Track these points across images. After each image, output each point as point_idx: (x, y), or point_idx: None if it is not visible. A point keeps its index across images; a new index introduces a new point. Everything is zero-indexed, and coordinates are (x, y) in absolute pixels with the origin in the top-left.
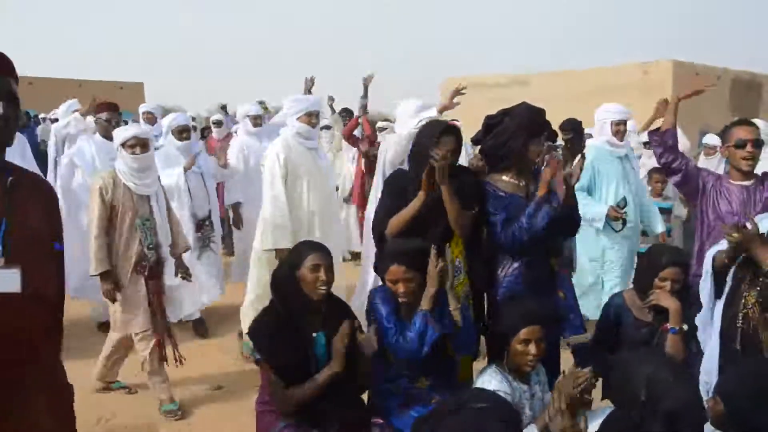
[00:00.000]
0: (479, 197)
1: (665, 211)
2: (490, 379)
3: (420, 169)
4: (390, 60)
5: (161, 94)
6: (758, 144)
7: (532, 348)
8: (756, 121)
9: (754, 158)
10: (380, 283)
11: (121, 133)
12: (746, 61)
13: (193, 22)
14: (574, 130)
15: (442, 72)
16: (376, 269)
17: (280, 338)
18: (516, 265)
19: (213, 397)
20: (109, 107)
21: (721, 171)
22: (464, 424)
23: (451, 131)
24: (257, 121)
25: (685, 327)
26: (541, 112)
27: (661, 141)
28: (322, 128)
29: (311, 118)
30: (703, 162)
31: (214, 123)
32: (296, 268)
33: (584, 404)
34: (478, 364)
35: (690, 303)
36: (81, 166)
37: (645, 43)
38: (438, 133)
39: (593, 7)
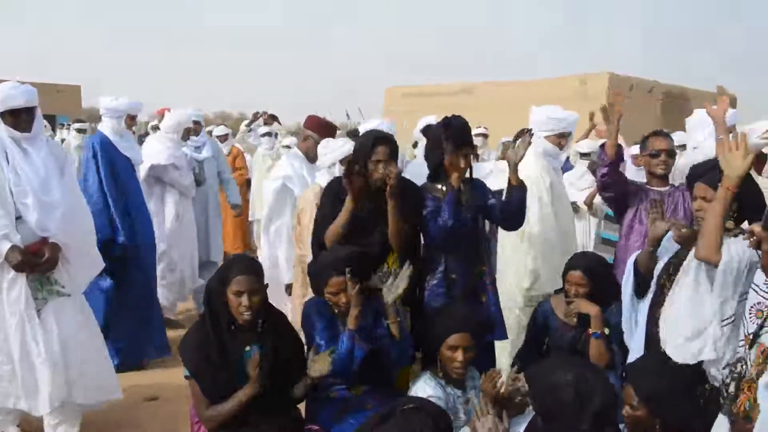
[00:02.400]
0: (416, 205)
1: None
2: (424, 386)
3: (357, 177)
4: (335, 69)
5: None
6: (671, 154)
7: (459, 355)
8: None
9: (668, 166)
10: None
11: (340, 149)
12: (676, 75)
13: (132, 21)
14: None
15: (386, 82)
16: (311, 276)
17: (206, 354)
18: (441, 269)
19: (148, 407)
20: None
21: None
22: (395, 429)
23: (385, 140)
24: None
25: (607, 331)
26: (455, 124)
27: (606, 161)
28: (262, 135)
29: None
30: (633, 171)
31: (153, 128)
32: (224, 285)
33: (515, 407)
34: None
35: (614, 306)
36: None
37: (583, 57)
38: (372, 143)
39: (535, 21)
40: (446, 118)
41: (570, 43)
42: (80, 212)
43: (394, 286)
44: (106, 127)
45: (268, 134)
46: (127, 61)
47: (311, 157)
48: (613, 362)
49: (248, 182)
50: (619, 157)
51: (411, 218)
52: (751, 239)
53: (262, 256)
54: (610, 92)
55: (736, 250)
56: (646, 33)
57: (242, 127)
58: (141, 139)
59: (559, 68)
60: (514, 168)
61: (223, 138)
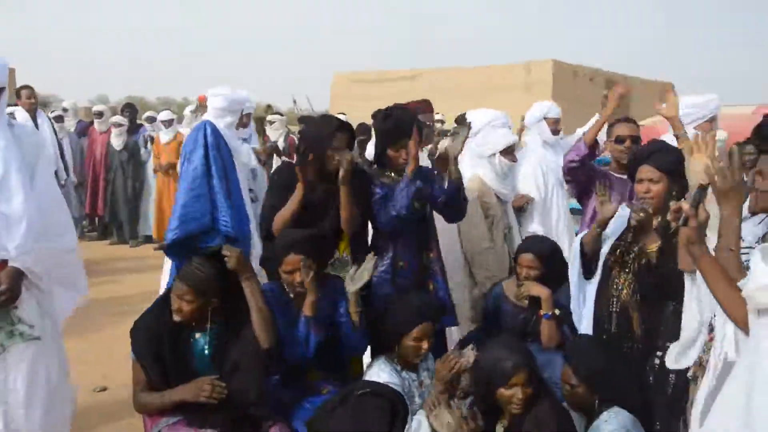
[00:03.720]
0: (366, 193)
1: None
2: (379, 372)
3: (309, 163)
4: (281, 54)
5: (34, 81)
6: (636, 140)
7: (424, 344)
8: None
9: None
10: None
11: (502, 140)
12: (619, 63)
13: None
14: (461, 123)
15: (332, 67)
16: (264, 263)
17: (154, 338)
18: (389, 256)
19: (97, 398)
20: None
21: None
22: (349, 413)
23: (345, 128)
24: None
25: (557, 312)
26: (394, 117)
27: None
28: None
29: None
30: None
31: (96, 114)
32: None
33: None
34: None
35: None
36: None
37: (528, 44)
38: (332, 130)
39: (482, 8)
40: (388, 108)
41: (515, 31)
42: (56, 225)
43: (357, 276)
44: (219, 118)
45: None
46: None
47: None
48: (564, 343)
49: None
50: (593, 150)
51: (361, 204)
52: (676, 215)
53: None
54: (555, 81)
55: None
56: (591, 21)
57: (187, 112)
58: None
59: (505, 55)
60: (453, 161)
61: (168, 123)
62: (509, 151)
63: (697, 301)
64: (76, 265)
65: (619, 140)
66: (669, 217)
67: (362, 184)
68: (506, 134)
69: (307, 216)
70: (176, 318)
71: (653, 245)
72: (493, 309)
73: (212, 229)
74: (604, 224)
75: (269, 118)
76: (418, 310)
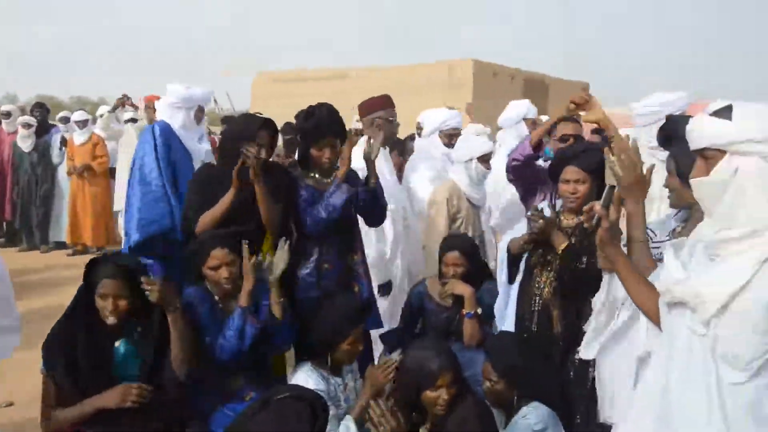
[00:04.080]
0: (290, 193)
1: None
2: (306, 378)
3: (232, 163)
4: (201, 52)
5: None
6: (579, 139)
7: (360, 347)
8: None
9: None
10: None
11: (480, 147)
12: (536, 63)
13: None
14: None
15: (257, 66)
16: (189, 264)
17: (69, 348)
18: (314, 258)
19: (2, 413)
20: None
21: None
22: (270, 417)
23: (268, 126)
24: None
25: (479, 310)
26: (317, 116)
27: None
28: (127, 121)
29: None
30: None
31: (3, 114)
32: (93, 287)
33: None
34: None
35: (487, 286)
36: None
37: (450, 44)
38: (255, 128)
39: (406, 7)
40: (311, 107)
41: (438, 30)
42: None
43: (274, 264)
44: (173, 117)
45: (133, 120)
46: None
47: (387, 142)
48: (486, 339)
49: (111, 171)
50: (538, 149)
51: (286, 205)
52: (589, 216)
53: None
54: (475, 81)
55: None
56: (511, 22)
57: (105, 113)
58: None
59: (427, 54)
60: (370, 165)
61: (83, 124)
62: (486, 159)
63: (606, 294)
64: (6, 298)
65: (564, 139)
66: (582, 218)
67: (287, 185)
68: (484, 141)
69: (229, 218)
70: (111, 321)
71: (562, 245)
72: (416, 308)
73: (172, 230)
74: (532, 242)
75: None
76: (351, 315)
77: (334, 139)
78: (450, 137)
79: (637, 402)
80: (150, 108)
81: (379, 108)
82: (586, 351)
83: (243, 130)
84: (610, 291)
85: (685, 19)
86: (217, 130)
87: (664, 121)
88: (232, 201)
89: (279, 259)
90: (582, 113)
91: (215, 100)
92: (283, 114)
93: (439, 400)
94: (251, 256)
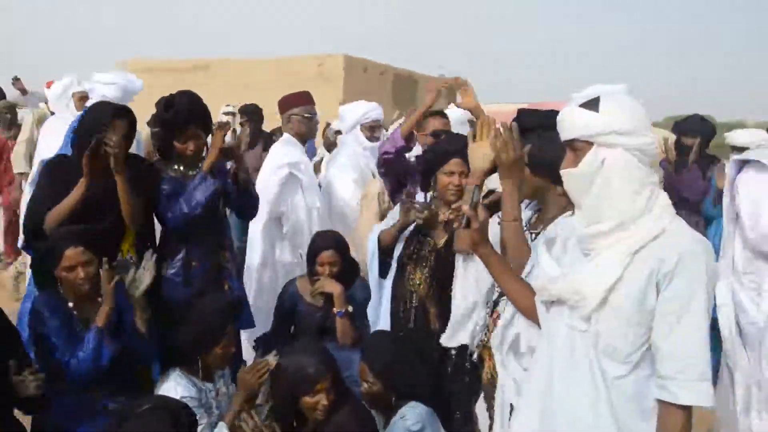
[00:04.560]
0: (153, 186)
1: None
2: (175, 386)
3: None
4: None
5: None
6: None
7: (231, 349)
8: (451, 111)
9: None
10: None
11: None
12: (405, 59)
13: None
14: (252, 114)
15: (115, 53)
16: (38, 267)
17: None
18: (180, 256)
19: None
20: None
21: None
22: None
23: (124, 114)
24: None
25: (351, 308)
26: (176, 105)
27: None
28: None
29: None
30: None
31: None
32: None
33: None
34: None
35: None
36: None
37: (320, 37)
38: (110, 117)
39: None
40: (170, 96)
41: (306, 23)
42: None
43: (138, 279)
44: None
45: None
46: None
47: (304, 138)
48: (361, 338)
49: None
50: (409, 142)
51: (147, 199)
52: (458, 216)
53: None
54: (346, 76)
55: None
56: (383, 19)
57: None
58: None
59: (295, 48)
60: (239, 159)
61: None
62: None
63: (474, 280)
64: None
65: (435, 134)
66: (450, 216)
67: (148, 177)
68: None
69: (84, 214)
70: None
71: (442, 239)
72: (289, 309)
73: None
74: (404, 228)
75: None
76: (223, 315)
77: (197, 129)
78: (372, 130)
79: (521, 401)
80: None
81: (297, 104)
82: (450, 339)
83: (97, 119)
84: (467, 275)
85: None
86: None
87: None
88: (83, 193)
89: (144, 275)
90: (453, 104)
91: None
92: (145, 105)
93: (318, 405)
94: (109, 271)
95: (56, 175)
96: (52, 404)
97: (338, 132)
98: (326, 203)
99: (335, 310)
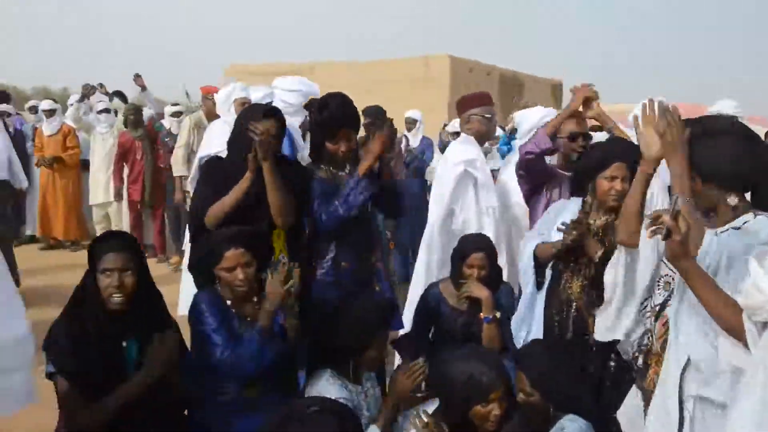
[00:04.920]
0: (304, 186)
1: None
2: (328, 387)
3: (242, 153)
4: (170, 45)
5: None
6: (587, 137)
7: (385, 352)
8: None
9: (585, 149)
10: None
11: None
12: (511, 60)
13: None
14: (376, 116)
15: (226, 58)
16: (197, 266)
17: (79, 346)
18: (330, 257)
19: None
20: None
21: None
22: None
23: (273, 114)
24: None
25: (498, 314)
26: (331, 107)
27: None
28: (100, 112)
29: None
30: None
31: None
32: (94, 270)
33: (416, 401)
34: None
35: (503, 287)
36: None
37: (425, 39)
38: (260, 116)
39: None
40: (324, 98)
41: (411, 25)
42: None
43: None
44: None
45: (107, 111)
46: None
47: (484, 138)
48: (506, 344)
49: (84, 163)
50: (553, 144)
51: (296, 195)
52: (657, 228)
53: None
54: (452, 77)
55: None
56: (486, 20)
57: (74, 102)
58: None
59: (400, 50)
60: (385, 160)
61: (50, 113)
62: None
63: (626, 272)
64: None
65: (573, 137)
66: (647, 228)
67: (299, 177)
68: None
69: (241, 215)
70: (117, 299)
71: (597, 252)
72: (432, 312)
73: None
74: (562, 251)
75: (173, 109)
76: (379, 318)
77: (349, 130)
78: None
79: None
80: (208, 99)
81: (477, 105)
82: (606, 334)
83: (246, 119)
84: (619, 267)
85: (659, 19)
86: (175, 122)
87: None
88: (246, 189)
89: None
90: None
91: (187, 93)
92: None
93: (490, 416)
94: (283, 274)
95: (214, 174)
96: (210, 402)
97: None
98: (500, 205)
99: (482, 315)
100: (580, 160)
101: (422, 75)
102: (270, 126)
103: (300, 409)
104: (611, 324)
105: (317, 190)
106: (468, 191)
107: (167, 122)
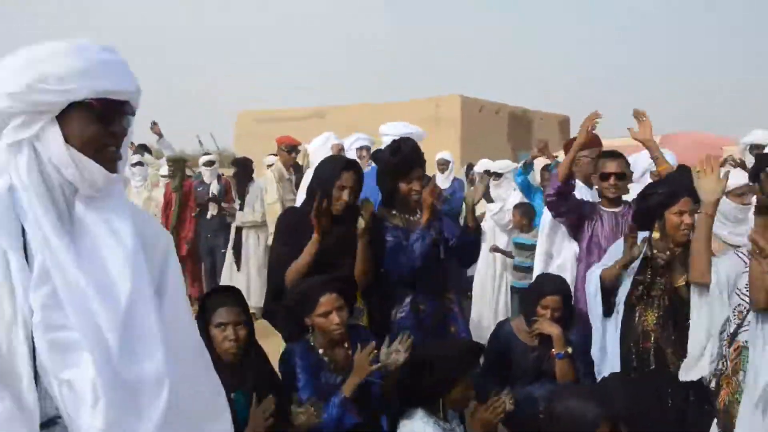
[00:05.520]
0: (377, 236)
1: (530, 247)
2: (424, 426)
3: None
4: (183, 94)
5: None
6: (621, 176)
7: (472, 389)
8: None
9: (618, 189)
10: None
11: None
12: (519, 97)
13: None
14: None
15: (237, 106)
16: (289, 316)
17: None
18: (407, 301)
19: None
20: None
21: None
22: None
23: (352, 167)
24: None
25: (570, 350)
26: (403, 150)
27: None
28: (134, 164)
29: None
30: None
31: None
32: (208, 324)
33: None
34: None
35: (575, 325)
36: None
37: (434, 80)
38: (339, 170)
39: (386, 44)
40: (395, 142)
41: (421, 67)
42: (204, 397)
43: (392, 356)
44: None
45: (140, 164)
46: None
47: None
48: (578, 379)
49: None
50: (569, 185)
51: (374, 250)
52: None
53: None
54: (462, 116)
55: (724, 267)
56: (495, 58)
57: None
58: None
59: (410, 91)
60: (470, 209)
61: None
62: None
63: (708, 315)
64: None
65: (604, 177)
66: (755, 252)
67: (373, 228)
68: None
69: (320, 263)
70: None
71: (681, 280)
72: (504, 349)
73: None
74: (628, 264)
75: (206, 159)
76: (467, 358)
77: (422, 171)
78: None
79: None
80: (284, 151)
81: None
82: (686, 374)
83: (327, 171)
84: (701, 309)
85: (663, 47)
86: (208, 171)
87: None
88: (317, 250)
89: (399, 356)
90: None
91: (200, 141)
92: (265, 153)
93: None
94: (370, 345)
95: (289, 227)
96: None
97: (487, 172)
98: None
99: (554, 351)
100: (647, 197)
101: (433, 115)
102: (350, 182)
103: None
104: (688, 367)
105: (390, 242)
106: (565, 236)
107: (201, 171)
